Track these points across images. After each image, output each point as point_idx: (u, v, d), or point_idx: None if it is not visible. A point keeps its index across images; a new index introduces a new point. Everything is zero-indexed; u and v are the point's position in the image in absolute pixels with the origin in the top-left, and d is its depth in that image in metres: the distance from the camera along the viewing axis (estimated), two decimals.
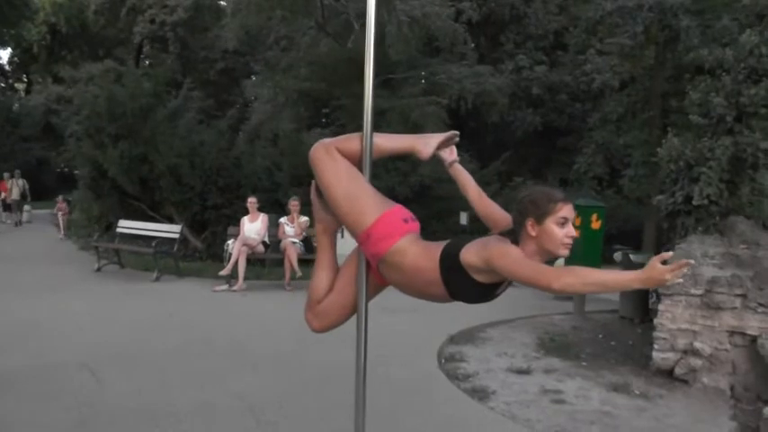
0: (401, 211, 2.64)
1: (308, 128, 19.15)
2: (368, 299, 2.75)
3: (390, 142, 2.80)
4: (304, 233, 11.44)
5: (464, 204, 10.99)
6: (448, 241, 2.56)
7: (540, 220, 2.40)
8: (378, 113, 17.87)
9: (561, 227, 2.40)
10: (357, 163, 2.68)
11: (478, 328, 8.61)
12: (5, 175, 21.72)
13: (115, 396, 5.50)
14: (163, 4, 28.84)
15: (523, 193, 2.54)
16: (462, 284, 2.46)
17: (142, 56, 31.39)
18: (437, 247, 2.54)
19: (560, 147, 21.59)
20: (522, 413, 5.54)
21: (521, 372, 6.72)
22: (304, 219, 11.39)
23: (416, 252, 2.54)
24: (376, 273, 2.70)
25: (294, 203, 11.51)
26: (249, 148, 15.79)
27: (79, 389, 5.66)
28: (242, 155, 15.08)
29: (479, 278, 2.43)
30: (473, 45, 22.17)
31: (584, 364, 7.22)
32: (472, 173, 3.00)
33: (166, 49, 28.60)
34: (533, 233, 2.41)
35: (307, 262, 10.59)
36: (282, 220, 11.59)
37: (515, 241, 2.44)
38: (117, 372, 6.16)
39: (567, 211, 2.42)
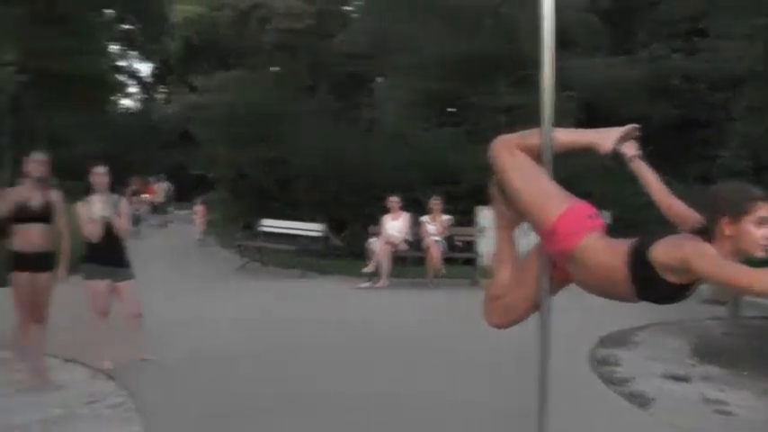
0: (586, 207, 2.57)
1: (437, 126, 19.11)
2: (550, 295, 2.70)
3: (569, 137, 2.76)
4: (446, 231, 11.39)
5: (605, 202, 10.65)
6: (635, 239, 2.45)
7: (736, 219, 2.28)
8: (509, 110, 17.58)
9: (758, 227, 2.26)
10: (536, 158, 2.64)
11: (629, 330, 8.24)
12: (151, 179, 23.02)
13: (277, 386, 5.68)
14: (289, 13, 29.66)
15: (716, 190, 2.43)
16: (652, 284, 2.36)
17: (272, 63, 32.43)
18: (623, 245, 2.45)
19: (700, 139, 20.47)
20: (686, 423, 5.20)
21: (678, 378, 6.35)
22: (446, 217, 11.38)
23: (603, 250, 2.45)
24: (560, 270, 2.64)
25: (435, 202, 11.50)
26: (381, 149, 15.96)
27: (237, 380, 5.88)
28: (375, 155, 15.25)
29: (671, 278, 2.32)
30: (605, 35, 21.43)
31: (744, 373, 6.73)
32: None
33: (295, 55, 29.40)
34: (728, 233, 2.29)
35: (449, 260, 10.55)
36: (424, 218, 11.60)
37: (708, 240, 2.29)
38: (276, 364, 6.38)
39: (765, 210, 2.28)
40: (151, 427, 4.80)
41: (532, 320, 2.84)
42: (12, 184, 6.50)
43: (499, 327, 2.92)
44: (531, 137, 2.71)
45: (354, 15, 29.42)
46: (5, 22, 21.88)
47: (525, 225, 2.79)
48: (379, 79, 26.96)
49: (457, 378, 5.97)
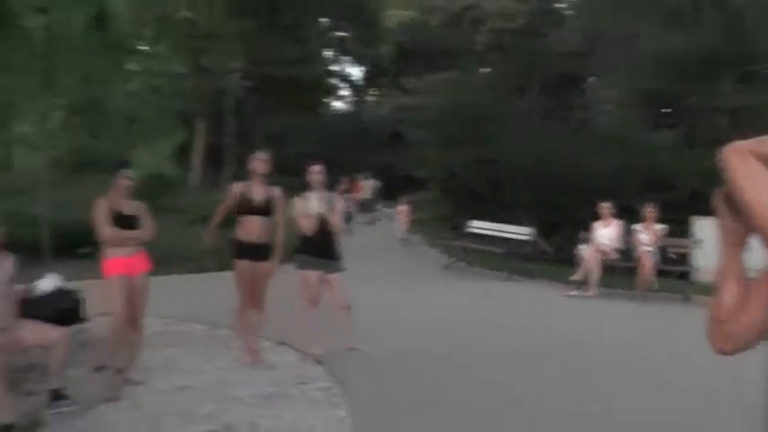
0: None
1: (652, 128, 18.01)
2: None
3: None
4: (659, 242, 10.68)
5: None
6: None
7: None
8: (732, 112, 16.11)
9: None
10: None
11: None
12: (359, 176, 23.96)
13: (475, 389, 5.61)
14: (502, 13, 29.48)
15: None
16: None
17: (483, 64, 32.46)
18: None
19: None
20: None
21: None
22: (660, 227, 10.66)
23: None
24: None
25: (650, 210, 10.81)
26: (593, 151, 15.35)
27: (440, 379, 5.90)
28: (586, 157, 14.70)
29: None
30: None
31: None
32: None
33: (506, 55, 29.19)
34: None
35: (661, 273, 9.89)
36: (637, 227, 10.95)
37: None
38: (476, 367, 6.32)
39: None
40: (357, 414, 4.94)
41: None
42: (236, 179, 7.02)
43: (725, 353, 2.61)
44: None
45: (568, 13, 28.51)
46: (235, 33, 23.84)
47: (754, 241, 2.46)
48: (591, 79, 26.01)
49: (666, 402, 5.54)
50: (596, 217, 11.13)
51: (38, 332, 4.76)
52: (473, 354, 6.78)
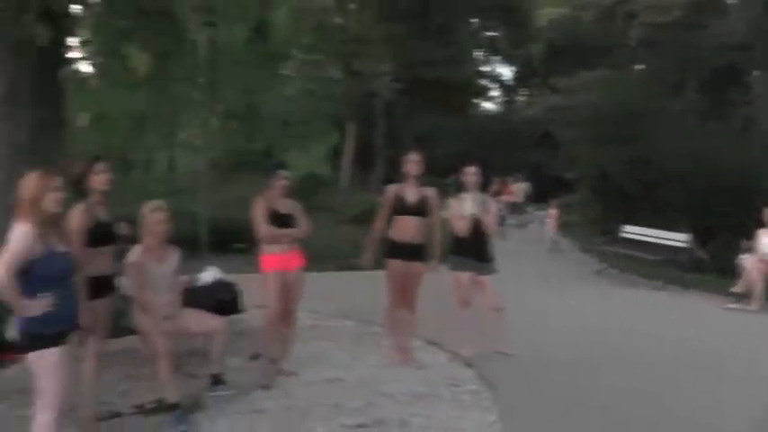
0: None
1: None
2: None
3: None
4: None
5: None
6: None
7: None
8: None
9: None
10: None
11: None
12: (510, 178, 23.55)
13: (626, 399, 5.38)
14: (657, 5, 28.07)
15: None
16: None
17: (637, 60, 31.11)
18: None
19: None
20: None
21: None
22: None
23: None
24: None
25: None
26: (758, 151, 14.20)
27: (590, 386, 5.72)
28: (751, 158, 13.62)
29: None
30: None
31: None
32: None
33: (662, 50, 27.76)
34: None
35: None
36: None
37: None
38: (625, 376, 6.06)
39: None
40: (506, 418, 4.84)
41: None
42: (384, 180, 7.08)
43: None
44: None
45: (731, 2, 26.63)
46: (385, 37, 24.26)
47: None
48: (756, 73, 24.08)
49: None
50: (760, 224, 10.15)
51: (200, 320, 5.02)
52: (623, 362, 6.49)
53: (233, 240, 10.55)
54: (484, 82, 40.96)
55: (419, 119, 29.41)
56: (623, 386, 5.76)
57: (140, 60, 6.06)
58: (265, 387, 5.32)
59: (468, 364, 6.13)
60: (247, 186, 14.26)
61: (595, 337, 7.47)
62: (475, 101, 40.37)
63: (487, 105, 43.56)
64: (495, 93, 43.41)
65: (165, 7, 6.07)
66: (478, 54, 38.20)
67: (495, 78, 42.21)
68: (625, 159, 14.20)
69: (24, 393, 4.92)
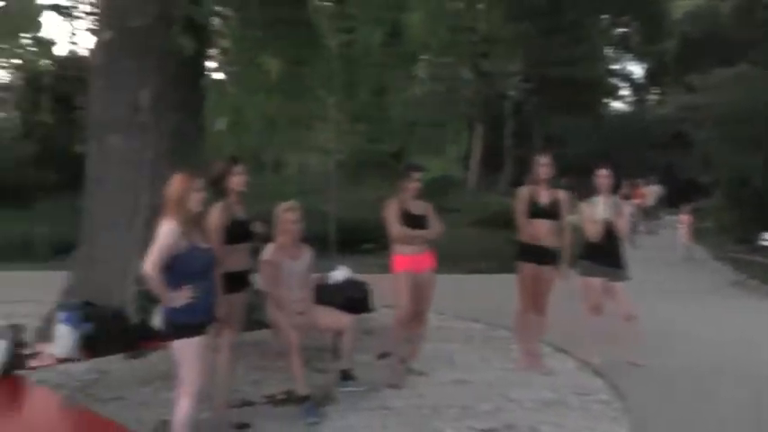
0: None
1: None
2: None
3: None
4: None
5: None
6: None
7: None
8: None
9: None
10: None
11: None
12: (640, 181, 22.45)
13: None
14: None
15: None
16: None
17: None
18: None
19: None
20: None
21: None
22: None
23: None
24: None
25: None
26: None
27: (728, 399, 5.45)
28: None
29: None
30: None
31: None
32: None
33: None
34: None
35: None
36: None
37: None
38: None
39: None
40: (638, 431, 4.66)
41: None
42: (512, 182, 6.99)
43: None
44: None
45: None
46: (514, 36, 23.95)
47: None
48: None
49: None
50: None
51: (331, 317, 5.15)
52: (765, 378, 6.06)
53: (361, 240, 10.76)
54: (614, 80, 39.52)
55: (548, 119, 28.80)
56: (763, 402, 5.41)
57: (274, 67, 6.29)
58: (394, 386, 5.38)
59: (598, 373, 5.94)
60: (375, 187, 14.58)
61: (733, 350, 7.06)
62: (605, 100, 39.02)
63: (618, 105, 42.05)
64: (625, 91, 41.83)
65: (302, 17, 6.29)
66: (609, 51, 36.86)
67: (626, 76, 40.64)
68: (765, 163, 13.27)
69: (166, 378, 5.24)
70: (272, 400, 5.05)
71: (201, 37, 6.30)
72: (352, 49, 6.34)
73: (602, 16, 33.89)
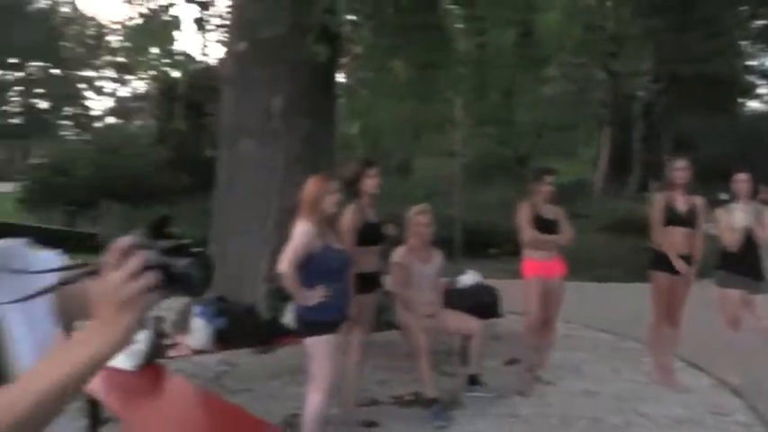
0: None
1: None
2: None
3: None
4: None
5: None
6: None
7: None
8: None
9: None
10: None
11: None
12: None
13: None
14: None
15: None
16: None
17: None
18: None
19: None
20: None
21: None
22: None
23: None
24: None
25: None
26: None
27: None
28: None
29: None
30: None
31: None
32: None
33: None
34: None
35: None
36: None
37: None
38: None
39: None
40: None
41: None
42: (644, 186, 6.69)
43: None
44: None
45: None
46: (644, 33, 22.99)
47: None
48: None
49: None
50: None
51: (460, 320, 5.12)
52: None
53: (486, 244, 10.65)
54: (752, 77, 37.11)
55: (679, 120, 27.45)
56: None
57: (405, 71, 6.34)
58: (522, 393, 5.28)
59: (736, 393, 5.54)
60: (500, 191, 14.42)
61: None
62: (741, 99, 36.71)
63: (755, 104, 39.47)
64: (764, 89, 39.21)
65: (433, 21, 6.31)
66: (746, 46, 34.56)
67: (765, 73, 38.08)
68: None
69: (293, 373, 5.40)
70: (400, 401, 5.08)
71: (334, 44, 6.45)
72: (483, 52, 6.29)
73: (741, 8, 31.79)
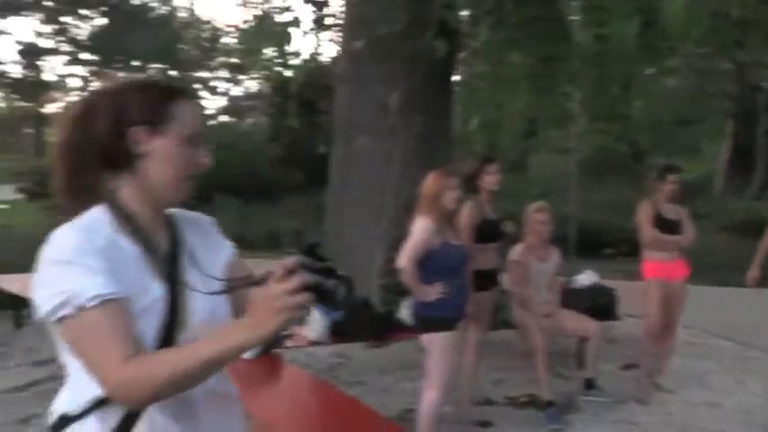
0: None
1: None
2: None
3: None
4: None
5: None
6: None
7: None
8: None
9: None
10: None
11: None
12: None
13: None
14: None
15: None
16: None
17: None
18: None
19: None
20: None
21: None
22: None
23: None
24: None
25: None
26: None
27: None
28: None
29: None
30: None
31: None
32: None
33: None
34: None
35: None
36: None
37: None
38: None
39: None
40: None
41: None
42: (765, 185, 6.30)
43: None
44: None
45: None
46: None
47: None
48: None
49: None
50: None
51: (577, 321, 5.00)
52: None
53: (601, 244, 10.35)
54: None
55: None
56: None
57: (524, 65, 6.26)
58: (641, 401, 5.06)
59: None
60: (616, 189, 13.94)
61: None
62: None
63: None
64: None
65: (553, 13, 6.18)
66: None
67: None
68: None
69: (405, 368, 5.43)
70: (514, 402, 5.01)
71: (452, 39, 6.43)
72: (604, 43, 6.09)
73: None
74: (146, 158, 1.34)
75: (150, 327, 1.28)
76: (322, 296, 1.18)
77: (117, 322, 1.22)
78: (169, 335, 1.31)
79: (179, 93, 1.40)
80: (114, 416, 1.28)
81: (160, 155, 1.35)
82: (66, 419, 1.32)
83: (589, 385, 4.98)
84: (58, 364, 1.38)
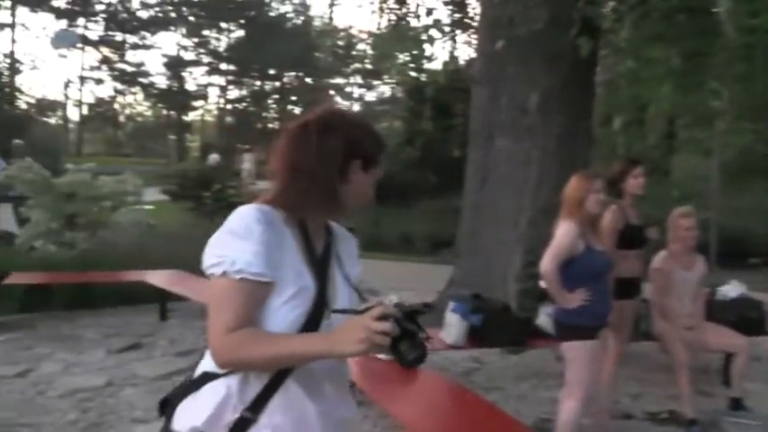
0: None
1: None
2: None
3: None
4: None
5: None
6: None
7: None
8: None
9: None
10: None
11: None
12: None
13: None
14: None
15: None
16: None
17: None
18: None
19: None
20: None
21: None
22: None
23: None
24: None
25: None
26: None
27: None
28: None
29: None
30: None
31: None
32: None
33: None
34: None
35: None
36: None
37: None
38: None
39: None
40: None
41: None
42: None
43: None
44: None
45: None
46: None
47: None
48: None
49: None
50: None
51: (723, 336, 4.72)
52: None
53: (744, 253, 9.69)
54: None
55: None
56: None
57: (670, 61, 5.98)
58: None
59: None
60: (761, 194, 12.94)
61: None
62: None
63: None
64: None
65: (701, 4, 5.86)
66: None
67: None
68: None
69: (542, 377, 5.31)
70: (654, 418, 4.76)
71: (595, 36, 6.25)
72: (754, 36, 5.68)
73: None
74: (346, 186, 1.60)
75: (299, 311, 1.51)
76: (394, 350, 1.41)
77: (244, 300, 1.46)
78: (314, 319, 1.52)
79: (384, 146, 1.69)
80: (251, 381, 1.51)
81: (356, 188, 1.62)
82: (207, 376, 1.55)
83: (736, 405, 4.66)
84: (199, 354, 1.64)
